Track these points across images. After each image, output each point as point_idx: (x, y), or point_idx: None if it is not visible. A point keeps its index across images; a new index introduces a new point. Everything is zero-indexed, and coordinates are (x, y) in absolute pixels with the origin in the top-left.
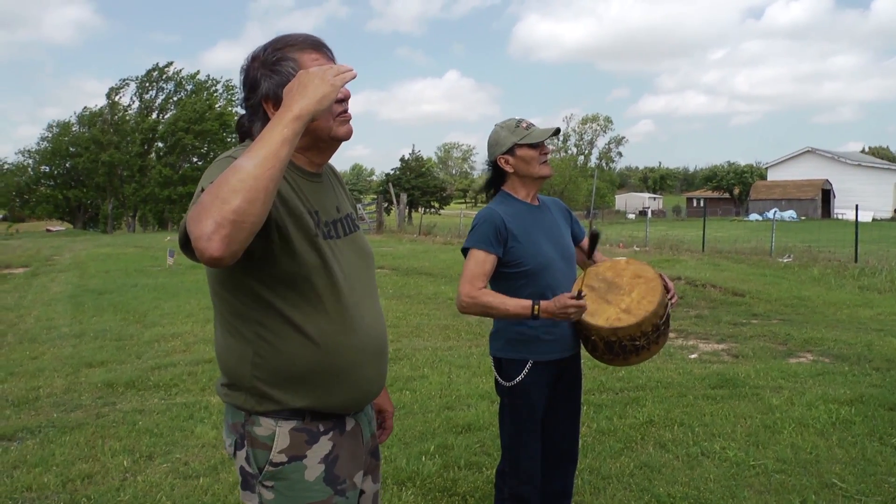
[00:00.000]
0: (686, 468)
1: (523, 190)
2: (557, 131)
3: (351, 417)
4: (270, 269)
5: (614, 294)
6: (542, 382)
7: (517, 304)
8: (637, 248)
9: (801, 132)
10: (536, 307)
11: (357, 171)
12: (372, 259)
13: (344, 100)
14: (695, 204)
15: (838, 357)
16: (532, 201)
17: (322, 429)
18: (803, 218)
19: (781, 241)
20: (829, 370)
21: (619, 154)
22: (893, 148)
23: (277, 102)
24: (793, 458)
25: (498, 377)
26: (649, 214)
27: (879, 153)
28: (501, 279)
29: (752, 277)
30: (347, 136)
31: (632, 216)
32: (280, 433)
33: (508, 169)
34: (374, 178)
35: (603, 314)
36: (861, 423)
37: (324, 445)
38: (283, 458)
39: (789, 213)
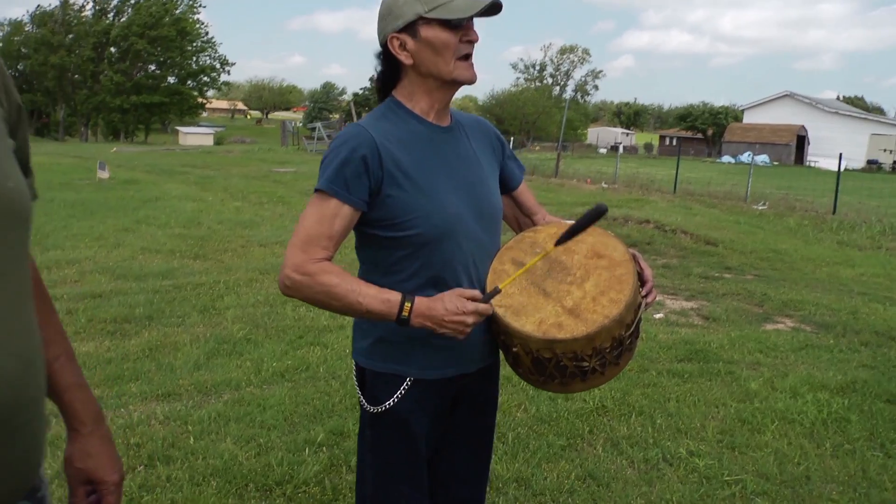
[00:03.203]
0: (642, 482)
1: (425, 100)
2: (495, 7)
3: None
4: None
5: (557, 281)
6: (429, 409)
7: (377, 297)
8: (606, 185)
9: (780, 77)
10: (407, 306)
11: (328, 88)
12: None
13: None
14: (667, 142)
15: (821, 326)
16: (438, 120)
17: None
18: (776, 163)
19: (755, 186)
20: (812, 342)
21: (596, 87)
22: (869, 98)
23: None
24: (777, 473)
25: (361, 396)
26: (620, 150)
27: (854, 103)
28: (369, 247)
29: (726, 225)
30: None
31: (603, 151)
32: None
33: (405, 59)
34: (345, 97)
35: (534, 314)
36: (858, 423)
37: None
38: None
39: (762, 158)
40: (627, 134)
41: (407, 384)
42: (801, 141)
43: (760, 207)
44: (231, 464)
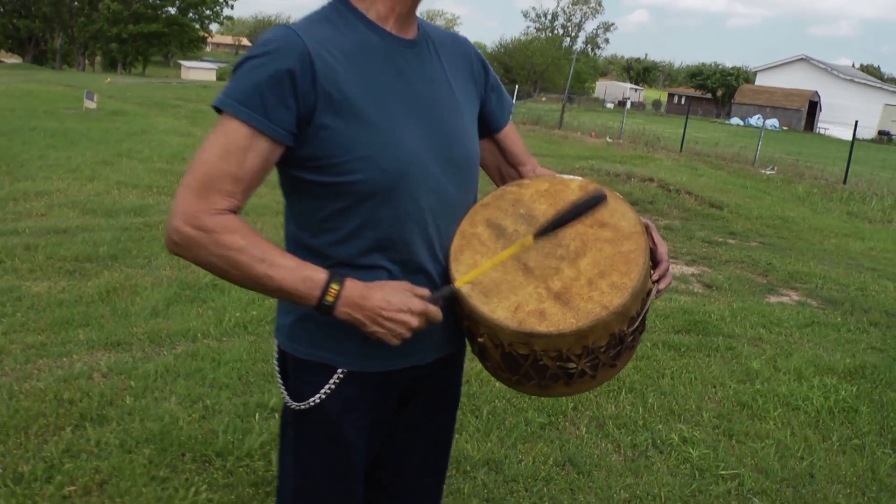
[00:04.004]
0: (628, 471)
1: (384, 3)
2: None
3: None
4: None
5: (543, 254)
6: (367, 410)
7: (294, 271)
8: (610, 140)
9: (795, 42)
10: (333, 289)
11: None
12: None
13: None
14: (676, 101)
15: (828, 301)
16: (399, 30)
17: None
18: (785, 128)
19: (764, 150)
20: (818, 319)
21: (607, 41)
22: (885, 69)
23: None
24: (778, 468)
25: (282, 387)
26: (628, 105)
27: (869, 71)
28: (296, 195)
29: (732, 188)
30: None
31: (610, 105)
32: None
33: None
34: None
35: (509, 297)
36: (867, 415)
37: None
38: None
39: (772, 122)
40: (636, 90)
41: (338, 377)
42: (813, 107)
43: (768, 172)
44: (170, 428)
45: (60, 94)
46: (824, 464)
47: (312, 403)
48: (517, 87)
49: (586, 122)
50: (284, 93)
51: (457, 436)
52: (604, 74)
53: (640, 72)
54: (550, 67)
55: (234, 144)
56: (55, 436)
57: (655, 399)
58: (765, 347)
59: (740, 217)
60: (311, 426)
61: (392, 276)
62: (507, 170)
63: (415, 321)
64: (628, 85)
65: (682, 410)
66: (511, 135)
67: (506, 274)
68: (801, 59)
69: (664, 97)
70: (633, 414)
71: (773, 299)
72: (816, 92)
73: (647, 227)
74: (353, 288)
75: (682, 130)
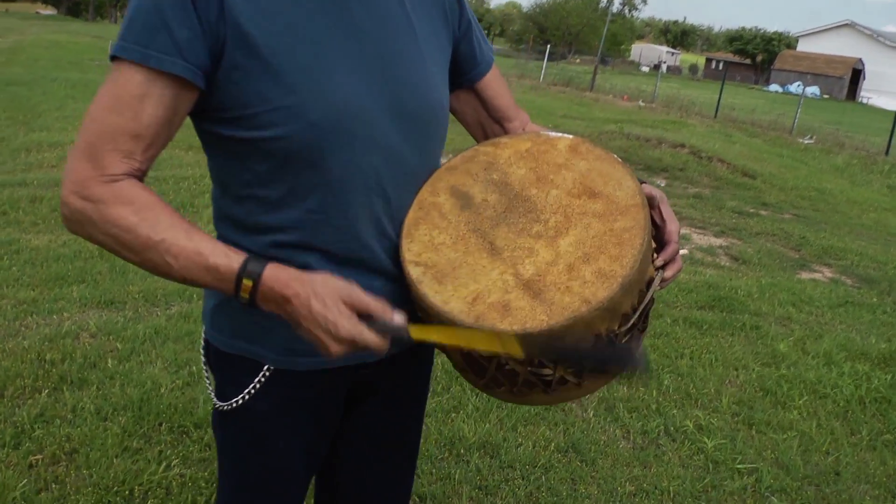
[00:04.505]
0: (636, 461)
1: None
2: None
3: None
4: None
5: (515, 230)
6: (304, 412)
7: (200, 257)
8: (643, 104)
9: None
10: (246, 284)
11: None
12: None
13: None
14: (713, 66)
15: (864, 280)
16: None
17: None
18: (826, 96)
19: (803, 119)
20: (852, 299)
21: (644, 2)
22: None
23: None
24: (801, 464)
25: (207, 381)
26: (664, 69)
27: None
28: (215, 156)
29: (767, 157)
30: None
31: (645, 69)
32: None
33: None
34: None
35: (468, 283)
36: None
37: None
38: None
39: (812, 90)
40: (672, 53)
41: (265, 375)
42: (857, 75)
43: (806, 141)
44: (151, 395)
45: (88, 45)
46: (851, 460)
47: (235, 404)
48: (549, 47)
49: (619, 85)
50: (184, 22)
51: (453, 415)
52: (640, 37)
53: (678, 35)
54: (586, 29)
55: (126, 92)
56: (31, 399)
57: (672, 381)
58: (793, 328)
59: (774, 187)
60: (237, 429)
61: (327, 259)
62: (490, 126)
63: (335, 347)
64: (665, 48)
65: (700, 395)
66: (494, 84)
67: (467, 253)
68: (847, 24)
69: (701, 62)
70: (646, 397)
71: (804, 276)
72: (860, 59)
73: (651, 199)
74: (273, 282)
75: (718, 96)
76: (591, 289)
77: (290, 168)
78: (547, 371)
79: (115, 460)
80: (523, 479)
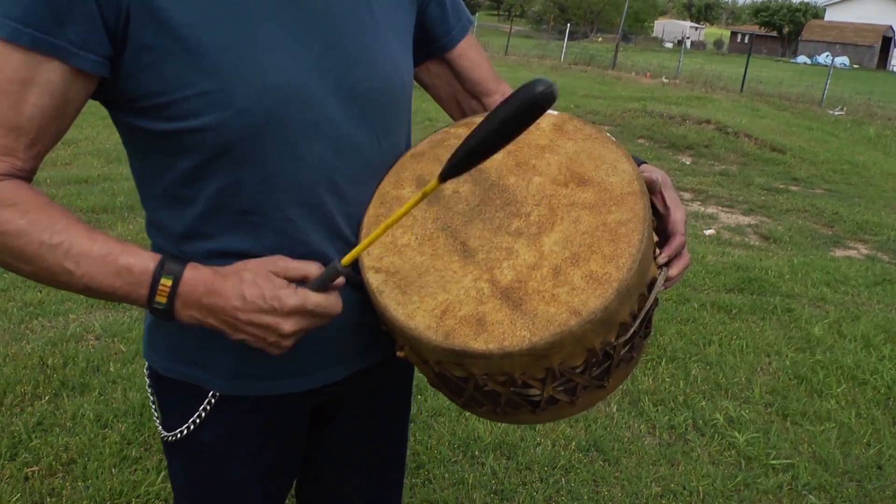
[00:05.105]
0: (662, 459)
1: None
2: None
3: None
4: None
5: (491, 227)
6: (257, 439)
7: (106, 260)
8: (666, 80)
9: None
10: (165, 284)
11: None
12: None
13: None
14: (739, 39)
15: None
16: None
17: None
18: (856, 66)
19: (833, 90)
20: (890, 276)
21: None
22: None
23: None
24: (840, 458)
25: (154, 410)
26: (687, 45)
27: None
28: (135, 152)
29: (796, 130)
30: None
31: (669, 45)
32: None
33: None
34: None
35: (436, 294)
36: None
37: None
38: None
39: (841, 60)
40: (696, 28)
41: (209, 402)
42: (887, 43)
43: (837, 113)
44: None
45: None
46: (895, 453)
47: (180, 434)
48: (569, 26)
49: (641, 62)
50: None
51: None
52: (663, 13)
53: (702, 9)
54: (607, 7)
55: (2, 77)
56: (30, 407)
57: (700, 371)
58: (828, 309)
59: (804, 162)
60: (186, 461)
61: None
62: (467, 102)
63: (288, 325)
64: (688, 23)
65: (730, 384)
66: (469, 54)
67: (435, 257)
68: None
69: (726, 36)
70: (672, 388)
71: (838, 253)
72: (891, 27)
73: (652, 185)
74: (196, 280)
75: (744, 69)
76: (582, 297)
77: (218, 164)
78: (533, 391)
79: (113, 470)
80: (542, 481)
